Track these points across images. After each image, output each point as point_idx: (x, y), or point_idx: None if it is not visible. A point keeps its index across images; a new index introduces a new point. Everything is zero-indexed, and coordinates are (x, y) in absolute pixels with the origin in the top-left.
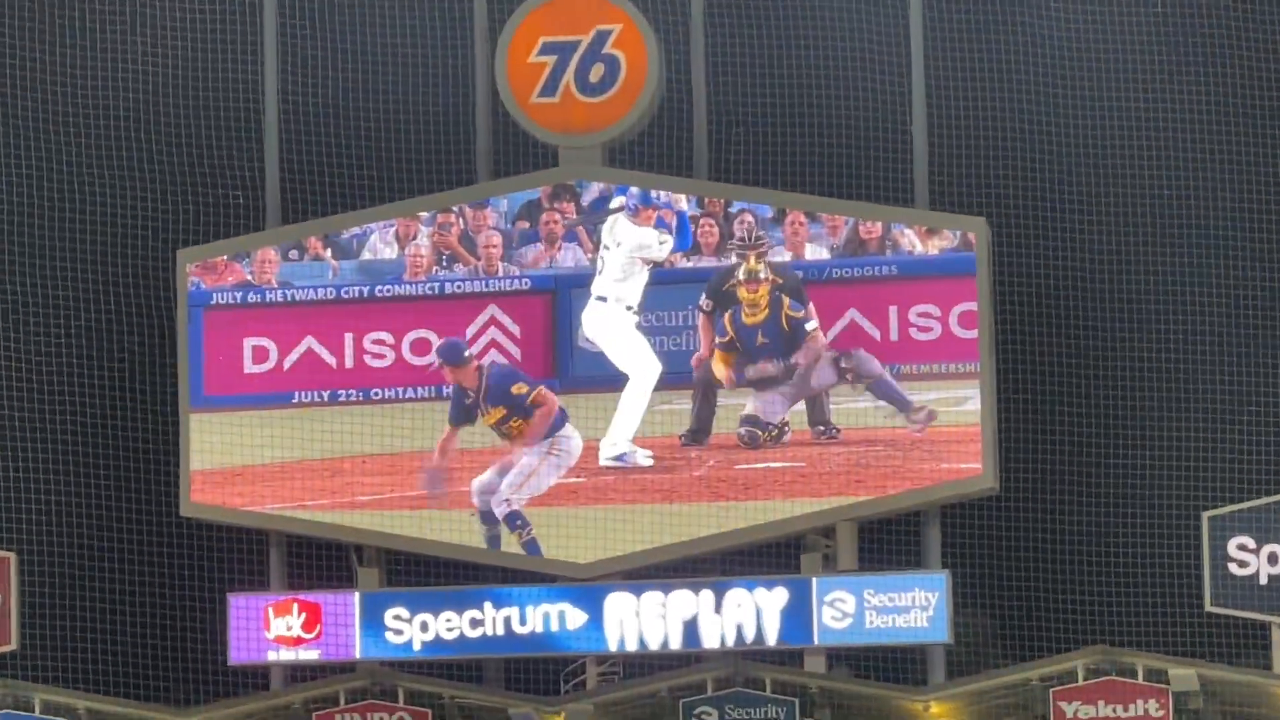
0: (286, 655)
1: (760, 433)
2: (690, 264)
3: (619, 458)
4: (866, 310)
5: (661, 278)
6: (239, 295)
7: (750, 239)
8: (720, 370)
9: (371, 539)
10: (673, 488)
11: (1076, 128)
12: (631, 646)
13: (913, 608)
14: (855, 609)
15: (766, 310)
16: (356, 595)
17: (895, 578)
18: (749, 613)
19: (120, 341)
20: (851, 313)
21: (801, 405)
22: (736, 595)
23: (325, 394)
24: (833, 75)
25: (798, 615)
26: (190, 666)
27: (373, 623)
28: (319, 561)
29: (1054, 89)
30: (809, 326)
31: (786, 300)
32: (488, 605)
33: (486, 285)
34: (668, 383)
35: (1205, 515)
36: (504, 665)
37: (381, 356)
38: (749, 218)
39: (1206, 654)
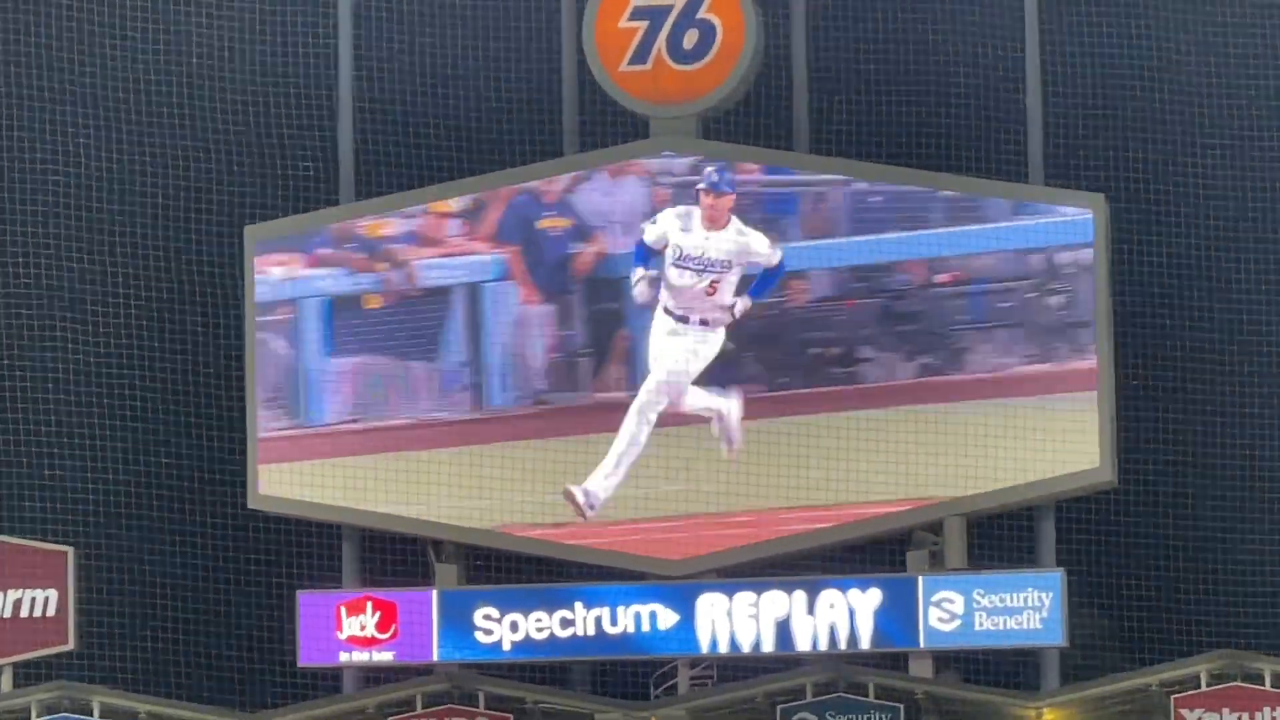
0: (360, 657)
1: None
2: None
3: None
4: None
5: None
6: None
7: None
8: None
9: (452, 534)
10: None
11: (1201, 96)
12: (723, 648)
13: (1025, 608)
14: (964, 610)
15: None
16: (435, 593)
17: (1007, 577)
18: (842, 614)
19: (183, 325)
20: None
21: None
22: (829, 595)
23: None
24: (940, 42)
25: (903, 616)
26: (257, 668)
27: (453, 622)
28: (393, 556)
29: (1179, 53)
30: None
31: None
32: (578, 605)
33: None
34: None
35: None
36: (590, 668)
37: None
38: None
39: None
